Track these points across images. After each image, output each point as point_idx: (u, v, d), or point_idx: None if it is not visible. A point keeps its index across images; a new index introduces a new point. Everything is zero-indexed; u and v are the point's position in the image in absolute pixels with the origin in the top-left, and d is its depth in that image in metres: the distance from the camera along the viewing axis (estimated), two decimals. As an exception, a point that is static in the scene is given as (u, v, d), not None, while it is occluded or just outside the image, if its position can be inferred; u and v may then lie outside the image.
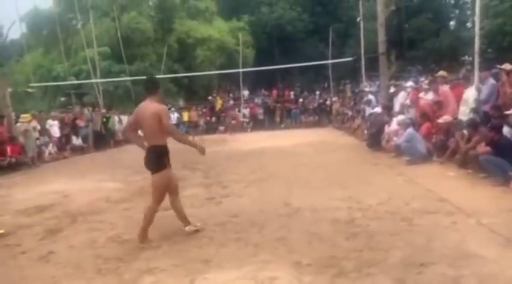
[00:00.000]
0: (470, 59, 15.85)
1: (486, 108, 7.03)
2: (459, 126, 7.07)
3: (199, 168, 8.79)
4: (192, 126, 20.27)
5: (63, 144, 14.03)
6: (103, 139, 15.89)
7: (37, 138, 12.41)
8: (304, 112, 21.82)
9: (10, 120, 12.21)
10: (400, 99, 10.34)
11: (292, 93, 24.89)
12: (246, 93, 25.09)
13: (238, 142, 15.13)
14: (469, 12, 30.32)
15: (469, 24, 29.79)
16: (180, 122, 20.29)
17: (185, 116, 20.91)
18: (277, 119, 21.85)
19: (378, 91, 14.13)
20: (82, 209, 5.92)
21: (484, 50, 16.61)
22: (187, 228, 4.35)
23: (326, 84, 26.28)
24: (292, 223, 4.52)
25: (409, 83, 10.95)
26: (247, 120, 21.60)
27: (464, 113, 7.46)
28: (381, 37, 12.37)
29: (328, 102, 21.75)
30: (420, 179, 6.26)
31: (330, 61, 22.27)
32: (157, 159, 4.13)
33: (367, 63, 16.39)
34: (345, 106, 18.47)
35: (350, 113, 16.41)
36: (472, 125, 6.54)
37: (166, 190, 4.25)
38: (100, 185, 7.83)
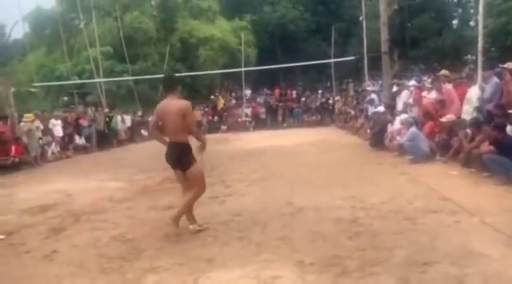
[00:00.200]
0: (474, 58, 15.79)
1: (489, 107, 6.99)
2: (462, 125, 7.05)
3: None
4: (195, 125, 20.23)
5: (66, 143, 14.05)
6: (106, 138, 15.92)
7: (40, 138, 12.43)
8: (307, 111, 21.75)
9: (13, 119, 12.23)
10: (403, 98, 10.29)
11: (294, 92, 24.90)
12: (248, 92, 25.07)
13: (240, 141, 15.14)
14: (472, 11, 30.29)
15: (472, 23, 29.78)
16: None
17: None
18: (280, 118, 21.82)
19: (380, 90, 14.12)
20: (85, 208, 5.93)
21: (488, 48, 16.53)
22: (191, 227, 4.36)
23: (328, 83, 26.24)
24: (295, 222, 4.51)
25: (412, 82, 10.91)
26: (250, 119, 21.60)
27: (468, 112, 7.42)
28: (384, 36, 12.36)
29: (330, 101, 21.67)
30: (423, 178, 6.24)
31: (332, 60, 22.28)
32: (188, 155, 4.21)
33: (370, 62, 16.40)
34: (348, 106, 18.46)
35: (353, 112, 16.40)
36: (476, 124, 6.52)
37: (204, 177, 4.38)
38: (103, 184, 7.83)
